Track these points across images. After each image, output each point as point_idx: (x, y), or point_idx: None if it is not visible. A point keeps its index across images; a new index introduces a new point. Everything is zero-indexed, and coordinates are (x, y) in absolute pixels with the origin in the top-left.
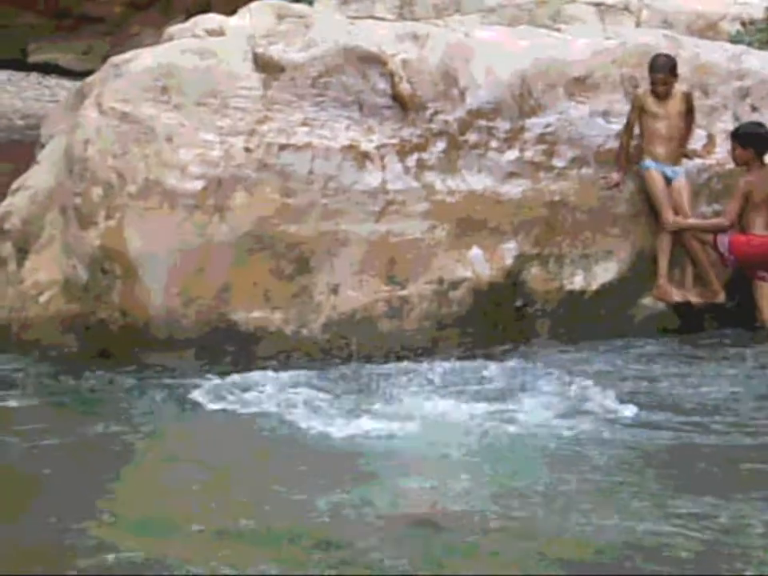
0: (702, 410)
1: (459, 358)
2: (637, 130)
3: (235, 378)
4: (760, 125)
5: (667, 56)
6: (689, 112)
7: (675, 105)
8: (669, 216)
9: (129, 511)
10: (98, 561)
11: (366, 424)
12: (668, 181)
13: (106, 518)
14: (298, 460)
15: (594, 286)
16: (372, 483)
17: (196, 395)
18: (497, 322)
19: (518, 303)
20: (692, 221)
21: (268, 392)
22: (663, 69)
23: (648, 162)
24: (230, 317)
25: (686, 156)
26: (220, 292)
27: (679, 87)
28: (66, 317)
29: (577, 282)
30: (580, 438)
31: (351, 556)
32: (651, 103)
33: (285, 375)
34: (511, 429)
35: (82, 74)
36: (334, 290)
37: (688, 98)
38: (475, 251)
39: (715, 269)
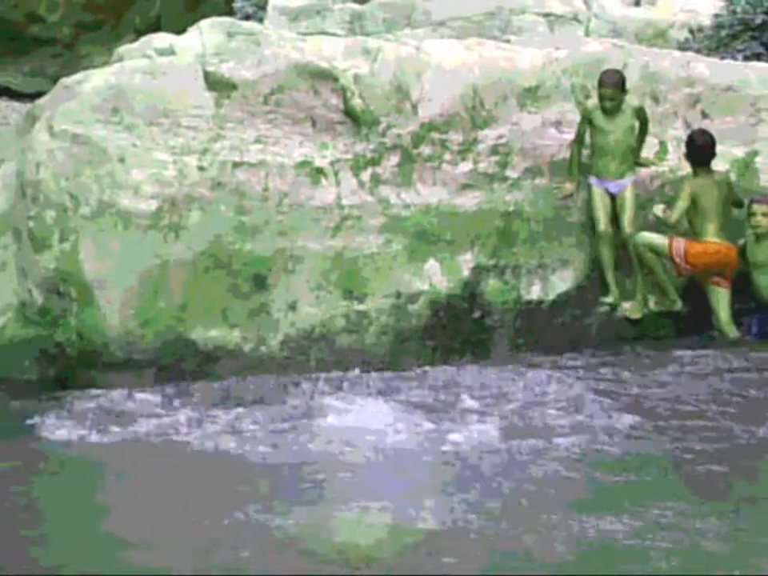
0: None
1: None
2: (588, 139)
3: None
4: (700, 134)
5: (616, 71)
6: (642, 125)
7: (624, 120)
8: (600, 228)
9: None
10: None
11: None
12: (612, 195)
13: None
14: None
15: (552, 296)
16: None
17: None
18: (456, 334)
19: (476, 315)
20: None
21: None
22: (611, 84)
23: (592, 179)
24: (188, 336)
25: (640, 164)
26: (177, 311)
27: (630, 102)
28: (22, 341)
29: (534, 292)
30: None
31: None
32: (599, 118)
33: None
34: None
35: (32, 96)
36: (292, 307)
37: (639, 113)
38: (432, 264)
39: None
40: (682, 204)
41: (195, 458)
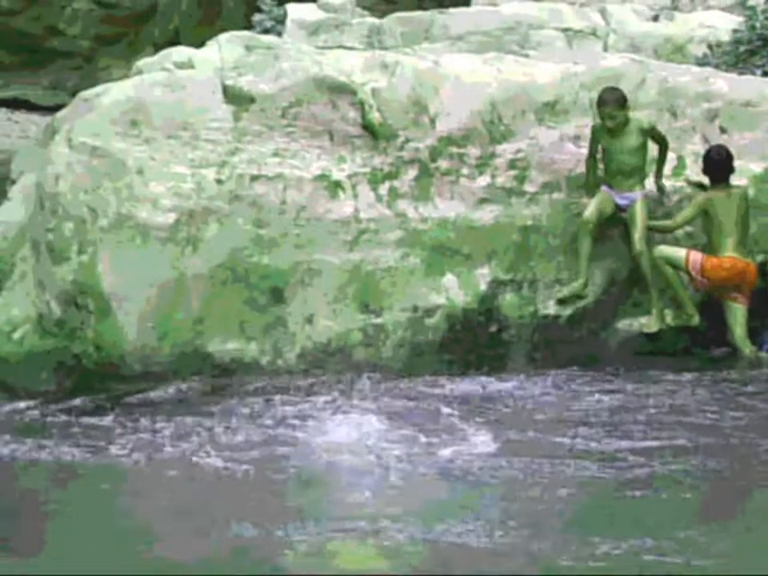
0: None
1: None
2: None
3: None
4: (717, 149)
5: (614, 89)
6: (659, 143)
7: (630, 140)
8: (585, 214)
9: None
10: None
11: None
12: (619, 208)
13: None
14: None
15: (569, 310)
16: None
17: None
18: (472, 348)
19: (493, 329)
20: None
21: None
22: (610, 102)
23: (603, 186)
24: (205, 349)
25: (660, 187)
26: (194, 324)
27: (637, 122)
28: (40, 353)
29: (551, 306)
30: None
31: None
32: (604, 137)
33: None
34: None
35: (51, 109)
36: (309, 320)
37: (650, 133)
38: (449, 278)
39: (688, 292)
40: (687, 213)
41: (177, 472)
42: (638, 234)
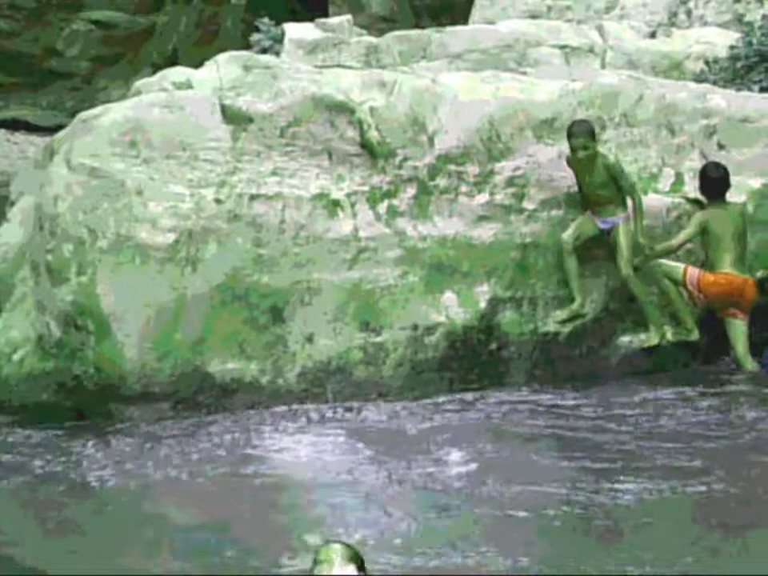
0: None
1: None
2: None
3: None
4: (713, 166)
5: (583, 121)
6: (615, 181)
7: (598, 176)
8: (563, 236)
9: None
10: None
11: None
12: (603, 232)
13: None
14: None
15: (569, 328)
16: None
17: None
18: (473, 366)
19: (493, 346)
20: (645, 252)
21: None
22: (581, 133)
23: (588, 211)
24: (205, 369)
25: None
26: (195, 344)
27: (603, 158)
28: (40, 374)
29: (551, 323)
30: None
31: None
32: (577, 170)
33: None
34: None
35: (50, 130)
36: (309, 339)
37: (609, 170)
38: (448, 296)
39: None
40: (688, 231)
41: (147, 490)
42: (622, 260)
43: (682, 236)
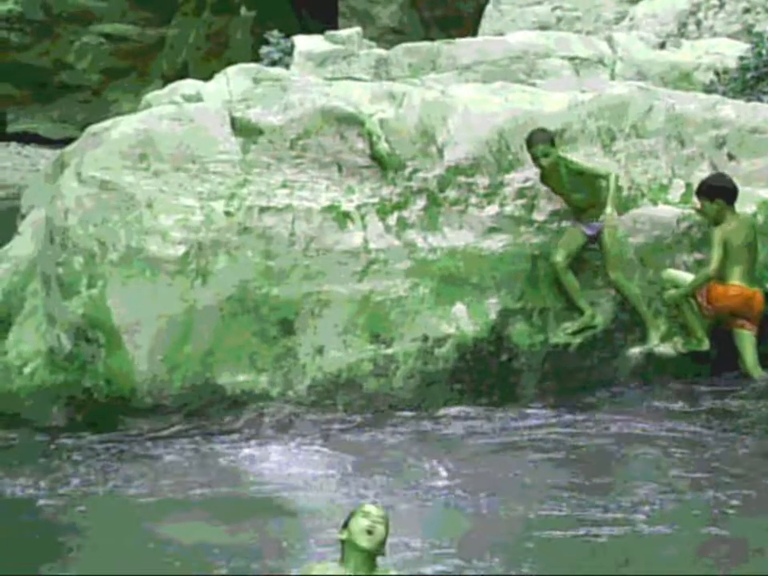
0: None
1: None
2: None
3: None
4: (722, 175)
5: (542, 130)
6: (582, 174)
7: (568, 181)
8: (554, 259)
9: None
10: None
11: None
12: (590, 238)
13: None
14: None
15: (579, 339)
16: None
17: None
18: (483, 378)
19: (504, 358)
20: (683, 289)
21: None
22: (538, 142)
23: (572, 220)
24: (215, 381)
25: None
26: (205, 357)
27: (564, 162)
28: (51, 387)
29: (561, 335)
30: None
31: None
32: (548, 180)
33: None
34: None
35: (61, 143)
36: (319, 351)
37: (575, 169)
38: (459, 307)
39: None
40: (718, 252)
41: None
42: (609, 265)
43: (715, 260)
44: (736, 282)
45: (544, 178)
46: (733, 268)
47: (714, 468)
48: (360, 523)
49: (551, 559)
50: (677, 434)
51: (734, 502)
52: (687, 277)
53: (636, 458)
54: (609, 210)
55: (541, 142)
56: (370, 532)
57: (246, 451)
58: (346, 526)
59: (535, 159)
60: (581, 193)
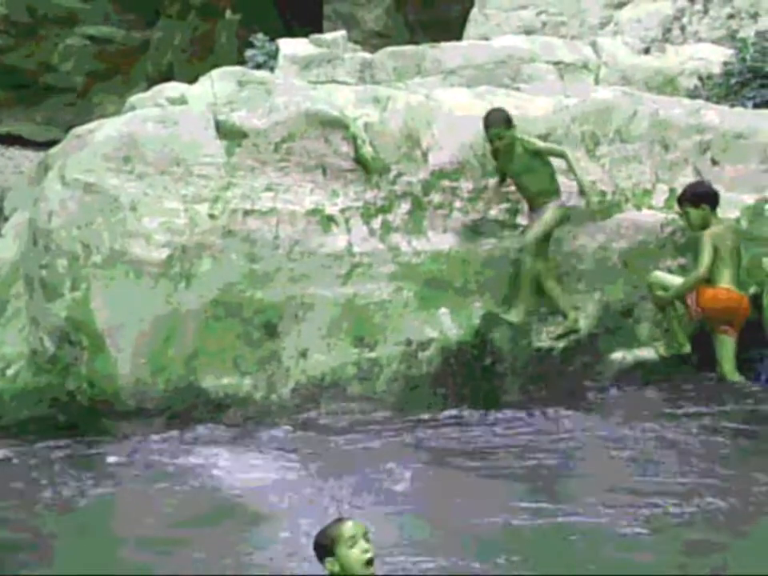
0: None
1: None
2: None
3: None
4: (702, 182)
5: (498, 110)
6: (542, 155)
7: (519, 162)
8: (528, 267)
9: None
10: None
11: None
12: None
13: None
14: None
15: (563, 343)
16: None
17: None
18: (467, 381)
19: (487, 362)
20: (673, 291)
21: None
22: (494, 123)
23: (527, 212)
24: (199, 384)
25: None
26: (189, 360)
27: (521, 142)
28: (33, 390)
29: (545, 339)
30: None
31: None
32: (501, 163)
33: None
34: None
35: (45, 145)
36: (303, 354)
37: (531, 148)
38: (443, 311)
39: (682, 321)
40: (708, 254)
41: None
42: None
43: (706, 262)
44: (725, 285)
45: (497, 160)
46: (722, 271)
47: (697, 471)
48: (356, 555)
49: (522, 564)
50: (660, 437)
51: (717, 505)
52: (674, 279)
53: (619, 461)
54: (586, 181)
55: (494, 124)
56: (370, 563)
57: (224, 455)
58: (324, 548)
59: (491, 142)
60: (532, 175)
